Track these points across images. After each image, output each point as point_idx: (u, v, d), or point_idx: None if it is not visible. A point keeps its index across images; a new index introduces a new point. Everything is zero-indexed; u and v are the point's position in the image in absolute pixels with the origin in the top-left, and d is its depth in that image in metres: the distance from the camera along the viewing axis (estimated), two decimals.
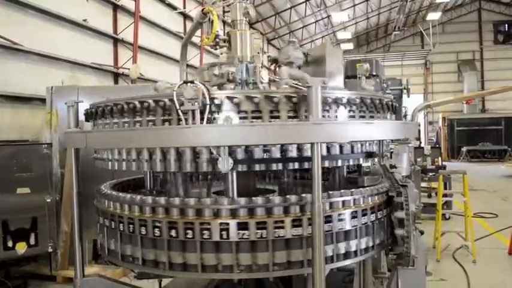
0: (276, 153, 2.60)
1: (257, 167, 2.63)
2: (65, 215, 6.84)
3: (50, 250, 6.68)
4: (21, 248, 6.35)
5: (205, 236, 2.52)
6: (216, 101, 2.52)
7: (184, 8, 17.25)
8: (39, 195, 6.61)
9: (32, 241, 6.47)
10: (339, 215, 2.65)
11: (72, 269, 3.34)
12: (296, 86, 3.22)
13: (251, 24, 14.85)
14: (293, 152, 2.62)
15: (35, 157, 6.69)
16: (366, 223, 2.77)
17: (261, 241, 2.51)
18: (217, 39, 3.37)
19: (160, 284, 4.04)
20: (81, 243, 3.25)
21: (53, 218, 6.72)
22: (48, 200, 6.68)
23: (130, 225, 2.71)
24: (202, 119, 2.49)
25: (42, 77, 9.56)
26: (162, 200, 2.63)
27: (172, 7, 16.29)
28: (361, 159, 3.00)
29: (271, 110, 2.56)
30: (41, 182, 6.66)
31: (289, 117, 2.58)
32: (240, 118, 2.54)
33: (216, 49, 3.58)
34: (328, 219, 2.58)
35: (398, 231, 2.78)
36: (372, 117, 2.91)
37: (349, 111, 2.77)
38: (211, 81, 3.17)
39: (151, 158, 2.70)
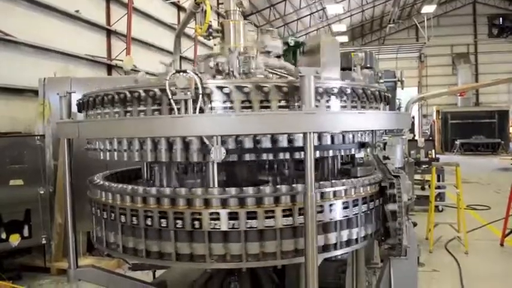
0: (267, 143, 2.59)
1: (247, 157, 2.62)
2: (58, 206, 6.82)
3: (44, 242, 6.68)
4: (14, 240, 6.34)
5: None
6: (207, 91, 2.51)
7: None
8: (33, 187, 6.59)
9: (26, 233, 6.47)
10: (331, 205, 2.65)
11: (66, 260, 3.32)
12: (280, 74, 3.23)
13: (245, 17, 14.77)
14: (284, 142, 2.60)
15: (27, 149, 6.66)
16: (364, 211, 2.80)
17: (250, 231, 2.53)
18: (210, 30, 3.34)
19: (154, 275, 4.05)
20: (74, 234, 3.23)
21: (46, 210, 6.71)
22: (42, 192, 6.66)
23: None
24: (194, 108, 2.48)
25: (34, 68, 9.49)
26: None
27: None
28: (353, 150, 3.00)
29: (262, 100, 2.55)
30: (34, 174, 6.64)
31: (281, 106, 2.57)
32: (230, 108, 2.54)
33: (209, 39, 3.56)
34: (319, 210, 2.58)
35: (390, 206, 2.81)
36: (363, 107, 2.91)
37: (341, 101, 2.76)
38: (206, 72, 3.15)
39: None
